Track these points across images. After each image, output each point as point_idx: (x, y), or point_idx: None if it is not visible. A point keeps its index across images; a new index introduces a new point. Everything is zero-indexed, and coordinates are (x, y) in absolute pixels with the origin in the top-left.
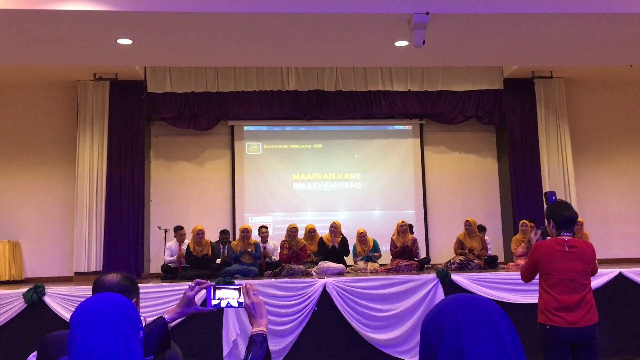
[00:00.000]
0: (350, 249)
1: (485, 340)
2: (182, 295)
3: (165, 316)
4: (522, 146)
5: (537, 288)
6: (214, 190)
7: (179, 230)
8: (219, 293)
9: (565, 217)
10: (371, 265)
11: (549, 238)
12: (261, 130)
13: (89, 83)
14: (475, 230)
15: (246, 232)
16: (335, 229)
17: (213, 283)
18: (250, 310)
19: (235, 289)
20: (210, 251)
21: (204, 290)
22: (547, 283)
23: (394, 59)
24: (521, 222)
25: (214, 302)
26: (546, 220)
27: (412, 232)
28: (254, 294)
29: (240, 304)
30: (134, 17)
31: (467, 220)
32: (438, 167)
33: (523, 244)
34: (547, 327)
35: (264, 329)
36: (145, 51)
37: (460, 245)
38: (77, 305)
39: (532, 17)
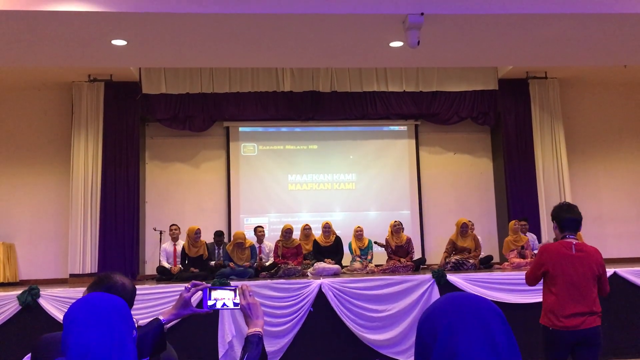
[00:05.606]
0: (346, 248)
1: (479, 344)
2: (177, 297)
3: (161, 318)
4: (517, 146)
5: (533, 288)
6: (209, 191)
7: (171, 227)
8: (215, 294)
9: (567, 218)
10: (367, 264)
11: (553, 240)
12: (256, 131)
13: (83, 84)
14: (468, 230)
15: (240, 244)
16: (328, 228)
17: (209, 285)
18: (247, 311)
19: (231, 289)
20: (206, 252)
21: (200, 292)
22: (553, 286)
23: (389, 60)
24: (511, 222)
25: (209, 303)
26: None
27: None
28: (249, 295)
29: (236, 304)
30: (128, 18)
31: (464, 223)
32: (433, 167)
33: (515, 251)
34: (551, 329)
35: (260, 330)
36: (140, 52)
37: (453, 246)
38: None
39: (527, 17)
